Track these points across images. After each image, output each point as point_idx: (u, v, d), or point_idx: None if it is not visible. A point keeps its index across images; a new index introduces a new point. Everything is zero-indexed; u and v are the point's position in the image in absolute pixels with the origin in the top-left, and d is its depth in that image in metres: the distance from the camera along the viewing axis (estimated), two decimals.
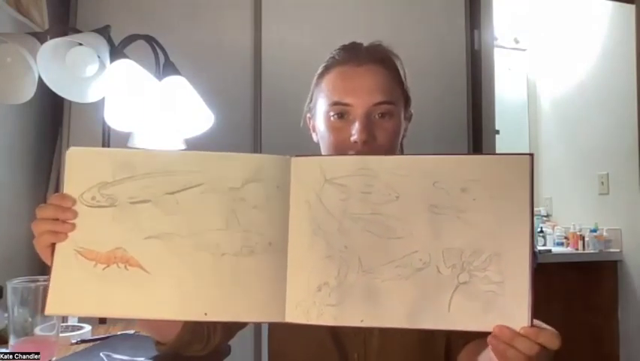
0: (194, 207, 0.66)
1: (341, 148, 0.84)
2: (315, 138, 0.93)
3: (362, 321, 0.63)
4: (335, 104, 0.84)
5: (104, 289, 0.64)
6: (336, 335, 0.85)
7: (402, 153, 0.94)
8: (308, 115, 0.95)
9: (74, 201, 0.65)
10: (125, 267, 0.64)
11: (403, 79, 0.90)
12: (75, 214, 0.65)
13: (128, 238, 0.65)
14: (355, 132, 0.81)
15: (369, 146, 0.81)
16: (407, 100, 0.91)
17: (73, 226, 0.65)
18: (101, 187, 0.66)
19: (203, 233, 0.66)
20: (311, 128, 0.94)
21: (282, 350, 0.91)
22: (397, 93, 0.87)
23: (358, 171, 0.66)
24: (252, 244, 0.66)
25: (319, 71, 0.90)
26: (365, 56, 0.87)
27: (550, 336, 0.59)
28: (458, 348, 0.83)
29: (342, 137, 0.83)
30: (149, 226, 0.65)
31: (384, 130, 0.84)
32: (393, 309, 0.63)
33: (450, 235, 0.64)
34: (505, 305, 0.61)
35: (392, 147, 0.86)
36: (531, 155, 0.63)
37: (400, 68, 0.90)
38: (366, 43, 0.91)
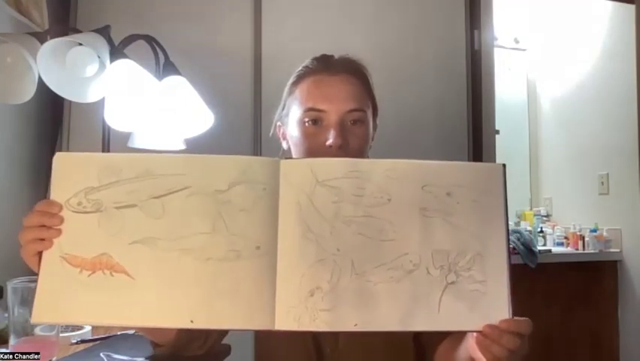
0: (179, 211, 0.65)
1: (315, 154, 0.85)
2: (285, 145, 0.95)
3: (356, 325, 0.63)
4: (310, 110, 0.86)
5: (90, 297, 0.63)
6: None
7: None
8: (278, 123, 0.97)
9: (61, 207, 0.65)
10: (111, 273, 0.63)
11: (372, 90, 0.94)
12: (61, 220, 0.65)
13: (113, 244, 0.64)
14: (331, 137, 0.84)
15: (344, 151, 0.84)
16: (375, 110, 0.94)
17: (59, 231, 0.64)
18: (87, 192, 0.65)
19: (188, 237, 0.64)
20: (281, 136, 0.97)
21: (266, 346, 0.93)
22: (367, 102, 0.91)
23: (350, 173, 0.67)
24: (238, 248, 0.64)
25: (292, 80, 0.93)
26: (338, 66, 0.90)
27: (525, 323, 0.64)
28: (433, 346, 0.85)
29: (317, 142, 0.85)
30: (134, 231, 0.65)
31: (356, 136, 0.86)
32: (387, 312, 0.64)
33: (438, 236, 0.66)
34: (488, 303, 0.64)
35: (362, 153, 0.89)
36: (503, 165, 0.68)
37: (369, 78, 0.94)
38: (336, 55, 0.94)
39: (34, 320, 0.63)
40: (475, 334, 0.65)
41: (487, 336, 0.63)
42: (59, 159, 0.67)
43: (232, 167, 0.67)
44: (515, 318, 0.64)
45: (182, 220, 0.65)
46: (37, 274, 0.64)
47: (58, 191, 0.66)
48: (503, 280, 0.65)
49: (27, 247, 0.65)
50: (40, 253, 0.64)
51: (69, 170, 0.67)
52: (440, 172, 0.68)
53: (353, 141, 0.86)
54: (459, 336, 0.76)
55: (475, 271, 0.65)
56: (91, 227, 0.65)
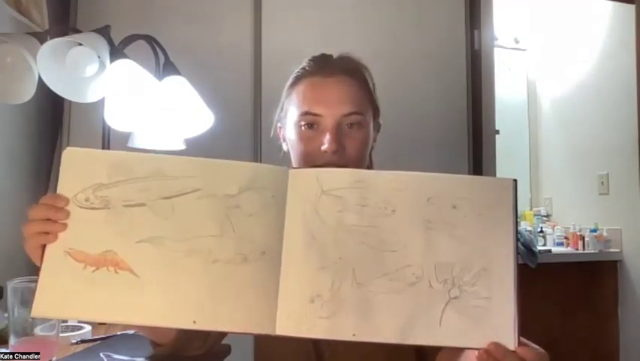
0: (189, 213, 0.65)
1: (311, 157, 0.85)
2: (285, 147, 0.94)
3: (354, 335, 0.63)
4: (305, 114, 0.85)
5: (92, 292, 0.63)
6: None
7: (371, 164, 0.95)
8: (278, 125, 0.97)
9: (67, 202, 0.65)
10: (115, 270, 0.63)
11: (372, 90, 0.92)
12: (67, 214, 0.64)
13: (119, 241, 0.64)
14: (326, 142, 0.83)
15: (339, 155, 0.83)
16: (376, 111, 0.93)
17: (65, 226, 0.64)
18: (95, 189, 0.65)
19: (196, 239, 0.65)
20: (281, 138, 0.96)
21: (266, 349, 0.93)
22: (366, 104, 0.89)
23: (355, 183, 0.67)
24: (245, 252, 0.65)
25: (290, 81, 0.92)
26: (335, 67, 0.88)
27: (540, 357, 0.61)
28: (433, 353, 0.84)
29: (312, 146, 0.85)
30: (141, 229, 0.65)
31: (353, 140, 0.85)
32: (386, 324, 0.63)
33: (442, 249, 0.65)
34: (492, 321, 0.62)
35: (361, 157, 0.87)
36: (514, 180, 0.66)
37: (369, 79, 0.92)
38: (336, 54, 0.92)
39: (34, 313, 0.63)
40: (480, 353, 0.62)
41: (491, 354, 0.61)
42: (69, 153, 0.67)
43: (243, 173, 0.67)
44: (535, 348, 0.61)
45: (191, 222, 0.65)
46: (38, 271, 0.64)
47: (65, 186, 0.66)
48: (509, 298, 0.63)
49: (31, 239, 0.65)
50: (43, 247, 0.64)
51: (78, 165, 0.67)
52: (447, 185, 0.67)
53: (350, 145, 0.85)
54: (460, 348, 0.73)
55: (480, 286, 0.63)
56: (97, 223, 0.65)
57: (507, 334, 0.62)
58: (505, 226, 0.65)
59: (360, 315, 0.63)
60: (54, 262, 0.64)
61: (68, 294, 0.63)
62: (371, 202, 0.66)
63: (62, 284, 0.63)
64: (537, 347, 0.62)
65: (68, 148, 0.67)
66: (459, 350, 0.73)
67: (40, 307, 0.63)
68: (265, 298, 0.64)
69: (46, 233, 0.64)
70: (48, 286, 0.63)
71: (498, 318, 0.62)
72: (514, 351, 0.60)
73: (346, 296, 0.63)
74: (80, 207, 0.65)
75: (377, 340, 0.63)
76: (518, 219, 2.91)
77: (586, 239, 2.65)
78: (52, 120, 1.76)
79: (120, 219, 0.65)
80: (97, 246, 0.64)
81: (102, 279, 0.63)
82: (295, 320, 0.63)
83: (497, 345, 0.61)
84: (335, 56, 0.93)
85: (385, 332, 0.63)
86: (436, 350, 0.83)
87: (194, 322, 0.63)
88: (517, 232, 0.66)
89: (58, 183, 0.66)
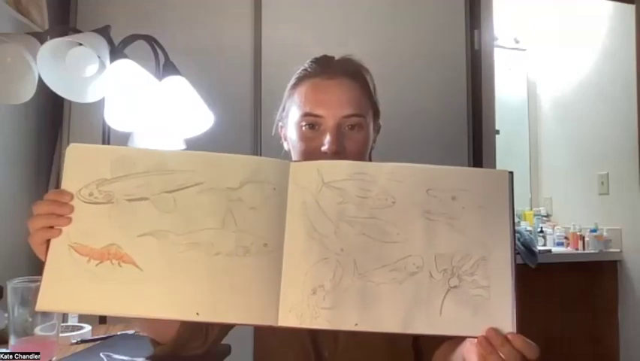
0: (190, 206, 0.66)
1: (311, 157, 0.85)
2: (285, 146, 0.96)
3: (356, 325, 0.64)
4: (307, 115, 0.87)
5: (96, 286, 0.64)
6: (313, 333, 0.87)
7: None
8: (280, 124, 0.98)
9: (72, 197, 0.66)
10: (119, 263, 0.64)
11: (373, 92, 0.94)
12: (72, 209, 0.65)
13: (122, 235, 0.65)
14: (326, 143, 0.84)
15: (339, 156, 0.84)
16: (376, 112, 0.95)
17: (69, 220, 0.65)
18: (99, 184, 0.66)
19: (198, 232, 0.66)
20: (282, 136, 0.98)
21: (266, 349, 0.93)
22: (366, 106, 0.90)
23: (355, 175, 0.68)
24: (247, 245, 0.65)
25: (292, 82, 0.93)
26: (336, 70, 0.90)
27: (531, 348, 0.61)
28: (430, 351, 0.85)
29: (313, 146, 0.86)
30: (144, 223, 0.66)
31: (353, 141, 0.87)
32: (388, 314, 0.64)
33: (442, 240, 0.66)
34: (491, 309, 0.64)
35: (361, 158, 0.89)
36: (511, 172, 0.68)
37: (369, 81, 0.94)
38: (337, 55, 0.94)
39: (38, 307, 0.64)
40: (480, 339, 0.62)
41: (489, 340, 0.62)
42: (73, 149, 0.68)
43: (244, 166, 0.68)
44: (525, 338, 0.62)
45: (193, 215, 0.66)
46: (40, 269, 0.65)
47: (69, 181, 0.67)
48: (507, 287, 0.64)
49: (36, 234, 0.65)
50: (48, 242, 0.65)
51: (82, 161, 0.68)
52: (445, 176, 0.68)
53: (350, 146, 0.86)
54: (456, 342, 0.75)
55: (479, 276, 0.65)
56: (101, 218, 0.66)
57: (506, 322, 0.63)
58: (503, 217, 0.66)
59: (362, 305, 0.64)
60: (58, 257, 0.64)
61: (72, 288, 0.64)
62: (372, 194, 0.67)
63: (66, 278, 0.64)
64: (530, 341, 0.62)
65: (72, 144, 0.68)
66: (456, 346, 0.74)
67: (44, 301, 0.64)
68: (267, 290, 0.64)
69: (51, 228, 0.65)
70: (52, 281, 0.64)
71: (497, 306, 0.64)
72: (512, 341, 0.61)
73: (348, 287, 0.64)
74: (84, 202, 0.66)
75: (379, 330, 0.64)
76: (518, 219, 2.90)
77: (586, 239, 2.65)
78: (52, 120, 1.76)
79: (123, 213, 0.66)
80: (101, 240, 0.65)
81: (106, 272, 0.64)
82: (298, 310, 0.64)
83: (496, 331, 0.62)
84: (337, 57, 0.94)
85: (387, 321, 0.64)
86: (434, 346, 0.84)
87: (197, 314, 0.63)
88: (514, 222, 0.67)
89: (62, 178, 0.67)
